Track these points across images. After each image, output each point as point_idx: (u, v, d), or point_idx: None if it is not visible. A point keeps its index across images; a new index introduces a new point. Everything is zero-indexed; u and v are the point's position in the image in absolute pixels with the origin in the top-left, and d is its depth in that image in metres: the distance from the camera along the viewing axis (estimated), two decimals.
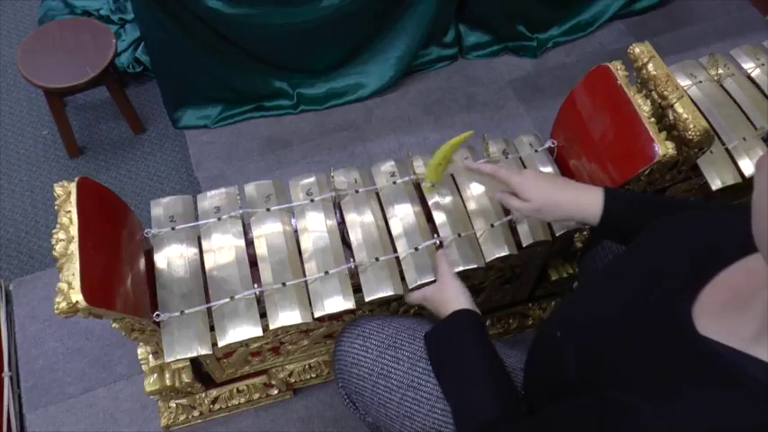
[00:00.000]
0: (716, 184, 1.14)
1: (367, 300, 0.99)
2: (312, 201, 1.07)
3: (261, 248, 1.02)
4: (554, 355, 0.76)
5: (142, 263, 1.00)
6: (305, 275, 1.00)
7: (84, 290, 0.81)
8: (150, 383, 1.16)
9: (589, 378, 0.64)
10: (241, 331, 0.95)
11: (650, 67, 1.01)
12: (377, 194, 1.11)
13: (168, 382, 1.16)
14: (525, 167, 1.14)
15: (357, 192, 1.09)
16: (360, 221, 1.05)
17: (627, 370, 0.59)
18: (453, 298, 0.94)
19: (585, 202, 0.90)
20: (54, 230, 0.87)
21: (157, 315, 0.94)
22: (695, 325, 0.55)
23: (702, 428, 0.48)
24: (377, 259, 1.01)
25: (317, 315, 0.97)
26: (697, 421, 0.48)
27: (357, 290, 1.00)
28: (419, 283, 1.00)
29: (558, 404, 0.65)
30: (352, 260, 1.01)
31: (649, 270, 0.69)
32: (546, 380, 0.78)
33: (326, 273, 0.99)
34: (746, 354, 0.50)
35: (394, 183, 1.10)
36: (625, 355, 0.61)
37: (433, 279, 1.00)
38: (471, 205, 1.09)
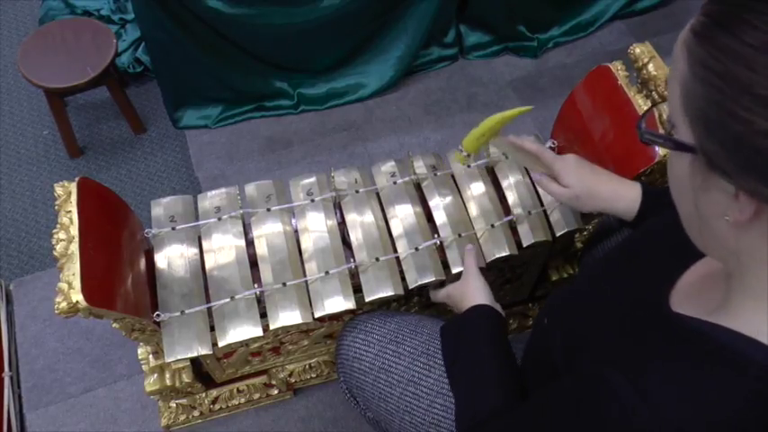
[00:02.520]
0: None
1: (367, 300, 0.99)
2: (312, 201, 1.07)
3: (261, 248, 1.02)
4: (542, 343, 0.77)
5: (142, 263, 1.00)
6: (305, 275, 1.00)
7: (85, 290, 0.81)
8: (150, 383, 1.16)
9: (571, 360, 0.66)
10: (241, 331, 0.95)
11: (651, 67, 1.01)
12: (377, 194, 1.11)
13: (168, 382, 1.16)
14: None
15: (357, 192, 1.09)
16: (360, 221, 1.05)
17: (604, 347, 0.62)
18: (473, 294, 0.94)
19: (624, 195, 0.90)
20: (54, 230, 0.87)
21: (158, 315, 0.94)
22: (670, 303, 0.60)
23: (672, 395, 0.50)
24: (377, 259, 1.01)
25: (317, 315, 0.97)
26: (667, 389, 0.50)
27: (357, 290, 1.00)
28: (419, 283, 1.00)
29: (543, 388, 0.66)
30: (352, 260, 1.01)
31: (638, 259, 0.72)
32: (538, 370, 0.79)
33: (327, 273, 0.99)
34: (708, 321, 0.53)
35: (394, 183, 1.10)
36: (603, 333, 0.64)
37: (434, 278, 1.00)
38: (472, 205, 1.09)
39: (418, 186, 1.12)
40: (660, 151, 0.96)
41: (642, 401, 0.50)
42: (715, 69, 0.44)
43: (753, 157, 0.43)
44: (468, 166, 1.11)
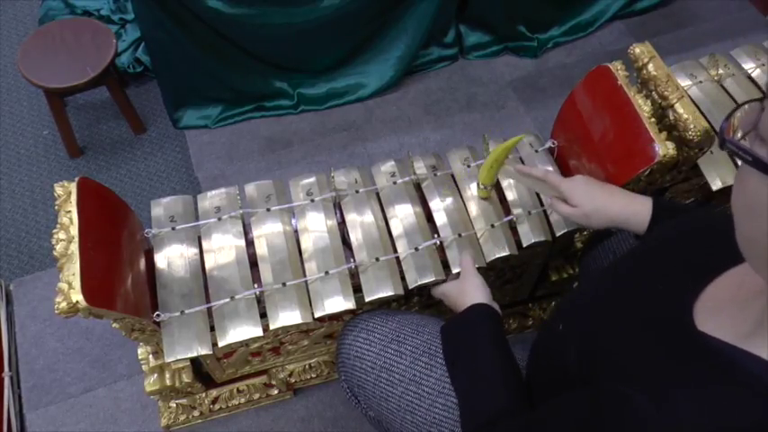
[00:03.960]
0: (716, 185, 1.14)
1: (367, 300, 0.99)
2: (312, 201, 1.07)
3: (261, 248, 1.02)
4: (556, 349, 0.76)
5: (142, 263, 1.00)
6: (305, 275, 1.00)
7: (85, 290, 0.81)
8: (150, 383, 1.16)
9: (588, 370, 0.65)
10: (241, 331, 0.95)
11: (650, 67, 1.01)
12: (377, 194, 1.11)
13: (168, 382, 1.16)
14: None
15: (357, 192, 1.09)
16: (360, 221, 1.05)
17: (626, 362, 0.60)
18: (471, 292, 0.94)
19: (634, 210, 0.89)
20: (54, 230, 0.87)
21: (158, 315, 0.94)
22: (695, 320, 0.56)
23: (696, 419, 0.48)
24: (377, 259, 1.01)
25: (317, 315, 0.97)
26: (691, 413, 0.49)
27: (357, 290, 1.00)
28: (419, 283, 1.00)
29: (558, 396, 0.65)
30: (352, 260, 1.01)
31: (655, 268, 0.70)
32: (548, 374, 0.79)
33: (327, 273, 0.99)
34: (741, 348, 0.50)
35: (394, 183, 1.10)
36: (625, 348, 0.61)
37: (434, 278, 1.00)
38: (472, 205, 1.09)
39: (418, 186, 1.12)
40: (660, 151, 0.96)
41: (664, 423, 0.49)
42: None
43: None
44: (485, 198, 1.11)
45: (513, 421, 0.75)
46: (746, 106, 0.47)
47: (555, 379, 0.73)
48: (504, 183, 1.12)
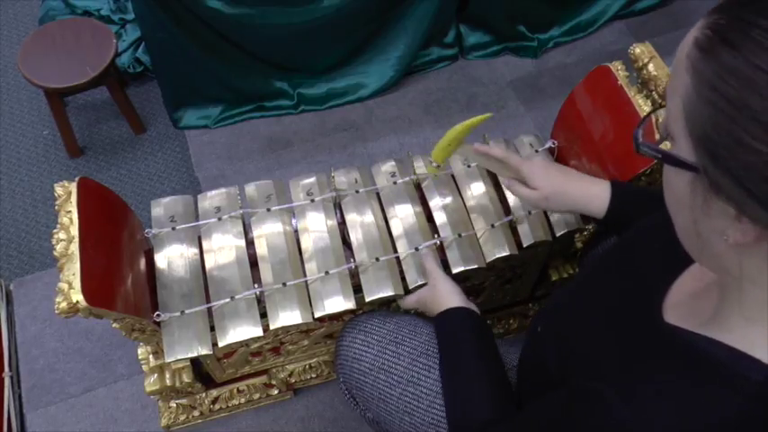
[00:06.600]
0: None
1: (367, 300, 0.99)
2: (312, 201, 1.07)
3: (261, 248, 1.02)
4: (536, 351, 0.77)
5: (142, 263, 1.00)
6: (305, 275, 1.00)
7: (85, 290, 0.81)
8: (150, 383, 1.16)
9: (564, 369, 0.66)
10: (241, 331, 0.95)
11: (651, 67, 1.01)
12: (377, 194, 1.11)
13: (168, 383, 1.16)
14: None
15: (357, 192, 1.09)
16: (360, 221, 1.05)
17: (598, 360, 0.61)
18: (444, 297, 0.93)
19: (593, 194, 0.90)
20: (54, 230, 0.87)
21: (158, 315, 0.94)
22: (663, 313, 0.59)
23: (662, 411, 0.50)
24: (377, 259, 1.01)
25: (317, 315, 0.97)
26: (656, 405, 0.50)
27: (357, 290, 1.00)
28: (419, 283, 1.00)
29: (538, 399, 0.66)
30: (352, 260, 1.01)
31: (626, 266, 0.71)
32: (533, 377, 0.79)
33: (327, 273, 0.99)
34: (701, 334, 0.52)
35: (394, 183, 1.10)
36: (597, 347, 0.63)
37: (425, 282, 1.00)
38: (472, 205, 1.09)
39: (419, 186, 1.12)
40: None
41: (633, 417, 0.50)
42: (723, 93, 0.42)
43: (762, 186, 0.42)
44: (436, 176, 1.10)
45: (501, 428, 0.75)
46: (660, 111, 0.52)
47: (540, 381, 0.74)
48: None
